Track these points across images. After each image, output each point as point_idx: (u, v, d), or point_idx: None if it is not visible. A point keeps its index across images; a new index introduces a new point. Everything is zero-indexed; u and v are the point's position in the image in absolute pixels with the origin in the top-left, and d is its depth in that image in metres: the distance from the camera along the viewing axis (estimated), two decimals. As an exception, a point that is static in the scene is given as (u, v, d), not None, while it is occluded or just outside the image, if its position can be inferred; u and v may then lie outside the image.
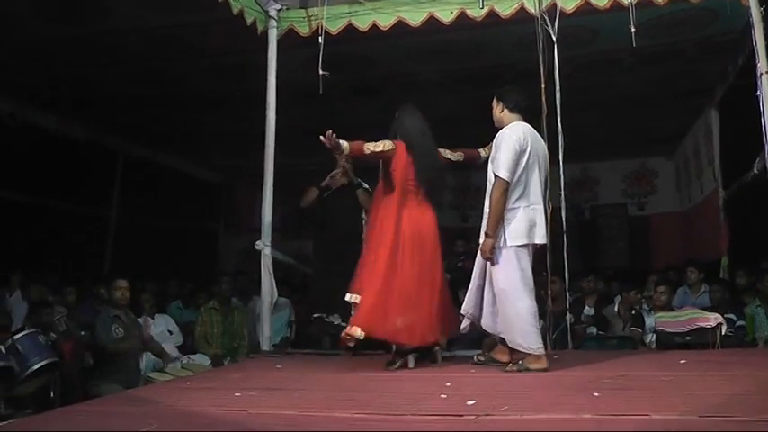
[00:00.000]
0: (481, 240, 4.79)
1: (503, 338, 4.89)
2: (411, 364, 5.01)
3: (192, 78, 8.17)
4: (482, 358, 5.12)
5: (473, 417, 3.28)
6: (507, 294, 4.71)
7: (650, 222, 12.96)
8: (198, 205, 12.89)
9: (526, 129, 4.85)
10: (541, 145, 4.99)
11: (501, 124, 4.96)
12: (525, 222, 4.74)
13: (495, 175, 4.71)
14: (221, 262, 13.29)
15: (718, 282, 7.24)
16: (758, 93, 5.61)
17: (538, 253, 5.01)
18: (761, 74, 5.61)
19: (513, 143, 4.71)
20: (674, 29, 6.81)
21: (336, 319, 6.10)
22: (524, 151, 4.74)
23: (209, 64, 7.73)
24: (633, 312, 7.04)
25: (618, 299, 7.48)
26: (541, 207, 4.83)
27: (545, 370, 4.58)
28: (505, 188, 4.67)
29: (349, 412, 3.53)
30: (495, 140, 4.85)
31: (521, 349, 4.69)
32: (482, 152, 5.58)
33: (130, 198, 10.86)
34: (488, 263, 4.81)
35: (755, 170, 6.52)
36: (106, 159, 10.53)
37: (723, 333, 6.04)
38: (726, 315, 6.31)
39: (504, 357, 4.91)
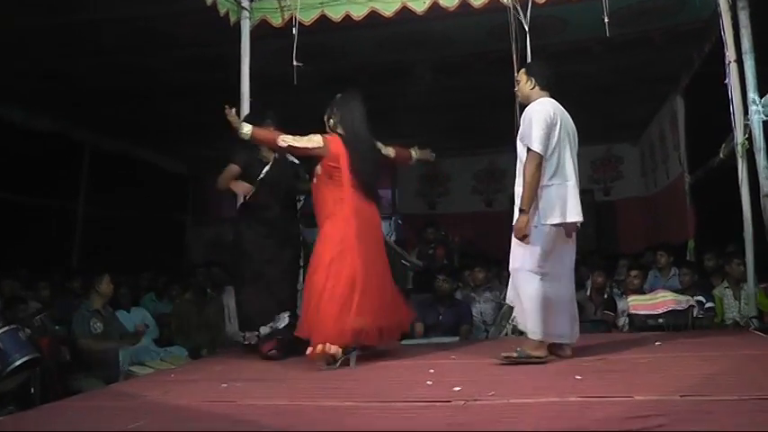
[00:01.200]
0: (515, 218, 4.52)
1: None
2: (353, 363, 4.77)
3: (162, 69, 8.09)
4: (513, 354, 4.52)
5: (462, 402, 3.34)
6: (518, 275, 4.58)
7: (616, 207, 13.11)
8: (166, 197, 12.76)
9: (555, 104, 4.66)
10: (570, 122, 4.76)
11: (528, 101, 4.75)
12: (559, 200, 4.50)
13: (529, 149, 4.48)
14: (190, 253, 13.22)
15: (687, 265, 7.37)
16: (727, 80, 5.75)
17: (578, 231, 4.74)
18: (729, 62, 5.75)
19: (544, 116, 4.52)
20: (642, 18, 6.90)
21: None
22: (555, 125, 4.53)
23: (181, 55, 7.66)
24: (605, 296, 7.16)
25: (589, 283, 7.58)
26: (574, 183, 4.57)
27: (543, 359, 4.43)
28: (539, 162, 4.45)
29: (338, 401, 3.58)
30: (523, 116, 4.64)
31: (528, 334, 4.52)
32: (413, 153, 5.62)
33: (98, 190, 10.72)
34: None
35: (722, 155, 6.66)
36: (73, 152, 10.38)
37: (695, 315, 6.20)
38: (695, 297, 6.46)
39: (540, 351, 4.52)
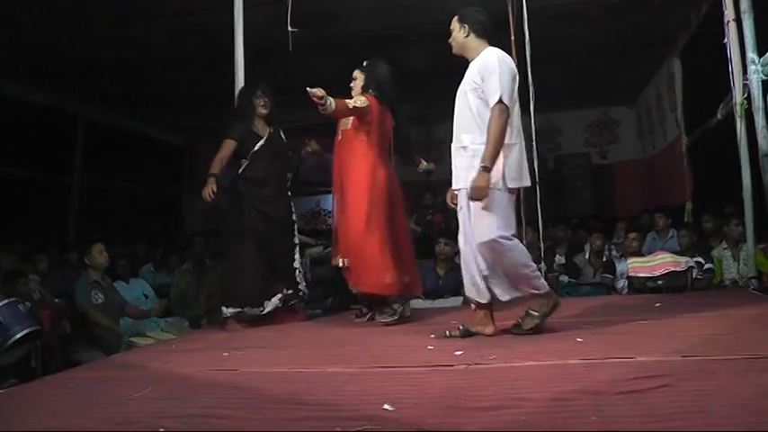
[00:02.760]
0: (472, 177, 4.06)
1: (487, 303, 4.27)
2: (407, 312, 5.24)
3: (155, 39, 8.01)
4: (455, 333, 4.29)
5: (464, 366, 3.35)
6: (498, 244, 4.06)
7: (613, 170, 13.13)
8: (161, 167, 12.74)
9: (502, 53, 4.23)
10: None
11: (465, 51, 4.35)
12: (520, 161, 4.17)
13: (499, 101, 4.01)
14: (187, 224, 13.19)
15: (685, 226, 7.39)
16: (725, 40, 5.71)
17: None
18: (728, 21, 5.71)
19: (511, 67, 4.16)
20: (639, -21, 6.86)
21: None
22: (515, 78, 4.16)
23: (174, 24, 7.58)
24: (604, 259, 7.17)
25: (588, 246, 7.60)
26: (524, 144, 4.26)
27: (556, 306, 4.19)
28: (508, 115, 4.05)
29: (340, 367, 3.58)
30: (478, 66, 4.18)
31: (534, 291, 4.15)
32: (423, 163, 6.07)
33: (93, 163, 10.67)
34: (471, 206, 4.14)
35: (719, 116, 6.64)
36: (67, 124, 10.32)
37: (694, 276, 6.21)
38: (694, 259, 6.48)
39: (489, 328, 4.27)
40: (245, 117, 5.64)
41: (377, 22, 7.78)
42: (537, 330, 4.13)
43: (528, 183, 4.31)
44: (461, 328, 4.26)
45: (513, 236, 4.14)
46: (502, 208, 4.09)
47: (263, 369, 3.66)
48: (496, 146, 4.02)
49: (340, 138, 5.41)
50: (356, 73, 5.47)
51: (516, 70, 4.21)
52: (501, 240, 4.06)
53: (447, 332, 4.26)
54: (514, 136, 4.15)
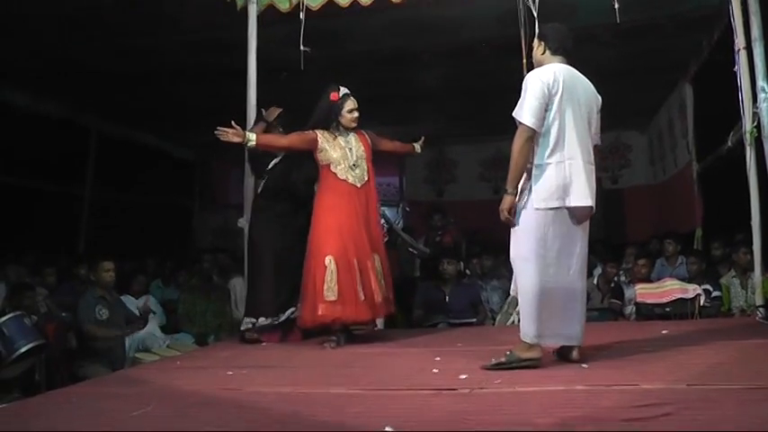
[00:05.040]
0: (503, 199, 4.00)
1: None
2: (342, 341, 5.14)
3: (169, 54, 8.06)
4: (502, 359, 3.97)
5: (468, 390, 3.34)
6: (515, 265, 4.06)
7: (624, 195, 13.07)
8: (172, 182, 12.75)
9: (561, 69, 4.06)
10: (587, 92, 4.17)
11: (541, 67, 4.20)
12: (557, 181, 3.92)
13: (519, 122, 3.94)
14: (196, 239, 13.22)
15: (694, 253, 7.35)
16: (736, 68, 5.70)
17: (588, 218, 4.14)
18: (738, 49, 5.69)
19: (540, 85, 3.95)
20: (651, 4, 6.85)
21: None
22: (554, 94, 3.95)
23: (188, 39, 7.62)
24: (612, 285, 7.14)
25: (597, 271, 7.57)
26: (581, 162, 3.96)
27: (536, 361, 3.86)
28: (530, 136, 3.91)
29: (343, 388, 3.58)
30: (524, 83, 4.07)
31: (520, 334, 3.94)
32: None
33: (104, 175, 10.71)
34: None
35: (730, 143, 6.62)
36: (80, 136, 10.36)
37: (701, 304, 6.18)
38: (702, 286, 6.44)
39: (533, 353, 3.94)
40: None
41: (390, 41, 7.80)
42: (502, 369, 3.84)
43: (580, 202, 3.96)
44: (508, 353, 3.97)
45: (543, 262, 3.92)
46: (530, 228, 3.95)
47: (267, 389, 3.66)
48: (515, 168, 3.94)
49: (367, 179, 5.40)
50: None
51: (557, 84, 3.96)
52: (520, 260, 4.02)
53: (493, 361, 3.93)
54: (545, 155, 3.95)
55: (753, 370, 3.50)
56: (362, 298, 5.05)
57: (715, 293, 6.55)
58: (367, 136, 5.49)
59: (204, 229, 13.47)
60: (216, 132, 5.07)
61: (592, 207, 4.01)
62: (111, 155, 10.70)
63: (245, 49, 6.42)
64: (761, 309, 5.69)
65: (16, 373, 5.08)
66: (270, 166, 5.80)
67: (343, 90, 5.40)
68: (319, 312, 4.98)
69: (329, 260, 5.03)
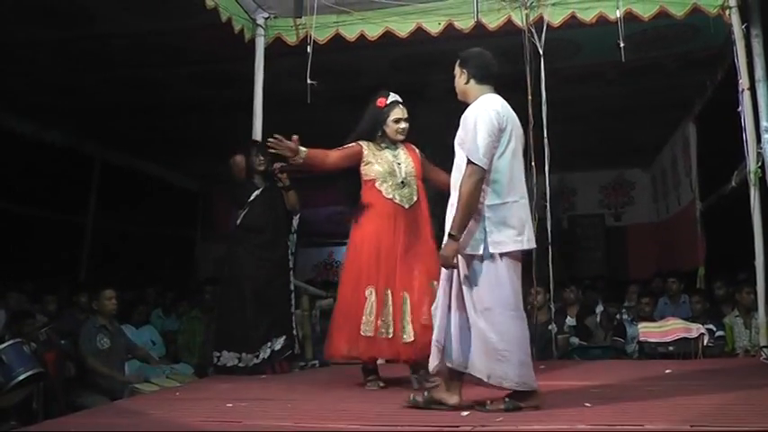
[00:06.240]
0: (443, 244, 3.72)
1: (458, 373, 3.76)
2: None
3: (174, 84, 8.14)
4: (419, 398, 3.82)
5: (469, 428, 3.30)
6: (494, 316, 3.61)
7: (627, 233, 13.11)
8: (175, 212, 12.77)
9: (500, 101, 3.81)
10: (518, 123, 3.88)
11: (466, 98, 3.92)
12: (516, 221, 3.68)
13: (469, 161, 3.63)
14: (198, 270, 13.20)
15: (698, 292, 7.33)
16: (740, 108, 5.73)
17: (525, 261, 3.91)
18: (742, 90, 5.73)
19: (492, 120, 3.67)
20: (656, 43, 6.92)
21: None
22: (504, 130, 3.70)
23: (194, 70, 7.69)
24: (615, 323, 7.11)
25: (600, 309, 7.54)
26: (527, 201, 3.81)
27: (537, 407, 3.63)
28: (481, 177, 3.62)
29: (344, 423, 3.54)
30: (463, 118, 3.80)
31: (509, 386, 3.64)
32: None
33: (107, 205, 10.73)
34: (461, 277, 3.72)
35: (734, 183, 6.62)
36: (83, 165, 10.40)
37: (705, 343, 6.14)
38: (706, 325, 6.40)
39: (453, 399, 3.73)
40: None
41: (397, 77, 7.85)
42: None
43: (531, 244, 3.76)
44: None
45: (512, 308, 3.66)
46: (493, 276, 3.65)
47: (267, 422, 3.63)
48: (464, 211, 3.63)
49: (417, 199, 4.81)
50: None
51: (504, 119, 3.73)
52: (493, 310, 3.64)
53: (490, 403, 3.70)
54: (503, 194, 3.69)
55: (757, 412, 3.46)
56: (391, 335, 4.52)
57: (718, 333, 6.51)
58: (417, 152, 4.93)
59: (206, 259, 13.43)
60: (270, 141, 4.64)
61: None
62: (115, 184, 10.73)
63: (251, 80, 6.48)
64: (765, 349, 5.65)
65: (14, 401, 5.03)
66: (252, 198, 5.81)
67: (393, 96, 4.89)
68: (360, 347, 4.54)
69: (370, 292, 4.55)
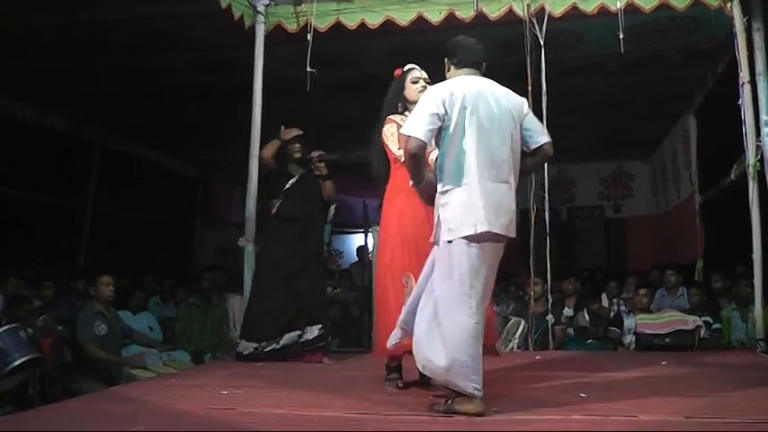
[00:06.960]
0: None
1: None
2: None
3: (175, 71, 8.11)
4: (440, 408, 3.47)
5: (464, 417, 3.30)
6: (439, 308, 3.42)
7: (626, 225, 13.12)
8: (174, 199, 12.75)
9: (462, 81, 3.62)
10: (495, 99, 3.58)
11: None
12: (479, 204, 3.40)
13: (406, 137, 3.49)
14: (197, 257, 13.18)
15: (695, 285, 7.33)
16: (740, 101, 5.72)
17: (510, 248, 3.63)
18: (743, 83, 5.72)
19: (429, 98, 3.54)
20: (657, 35, 6.90)
21: None
22: (451, 109, 3.48)
23: (194, 57, 7.66)
24: (612, 314, 7.12)
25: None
26: (507, 185, 3.51)
27: (480, 414, 3.30)
28: (418, 149, 3.45)
29: (339, 411, 3.55)
30: None
31: (440, 383, 3.56)
32: None
33: (107, 191, 10.70)
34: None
35: (733, 176, 6.62)
36: (83, 151, 10.37)
37: (701, 336, 6.16)
38: (703, 318, 6.42)
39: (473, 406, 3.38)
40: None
41: (397, 65, 7.82)
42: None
43: (493, 229, 3.40)
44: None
45: (455, 301, 3.40)
46: (443, 264, 3.47)
47: (261, 409, 3.62)
48: (416, 171, 3.61)
49: None
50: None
51: (455, 98, 3.50)
52: (438, 301, 3.46)
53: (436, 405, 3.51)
54: (450, 179, 3.48)
55: (752, 404, 3.47)
56: None
57: (715, 326, 6.54)
58: None
59: (205, 246, 13.43)
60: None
61: (504, 235, 3.48)
62: (115, 170, 10.71)
63: (250, 68, 6.45)
64: (761, 342, 5.67)
65: (10, 386, 5.04)
66: (287, 186, 5.78)
67: (409, 65, 4.69)
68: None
69: (408, 278, 4.09)
